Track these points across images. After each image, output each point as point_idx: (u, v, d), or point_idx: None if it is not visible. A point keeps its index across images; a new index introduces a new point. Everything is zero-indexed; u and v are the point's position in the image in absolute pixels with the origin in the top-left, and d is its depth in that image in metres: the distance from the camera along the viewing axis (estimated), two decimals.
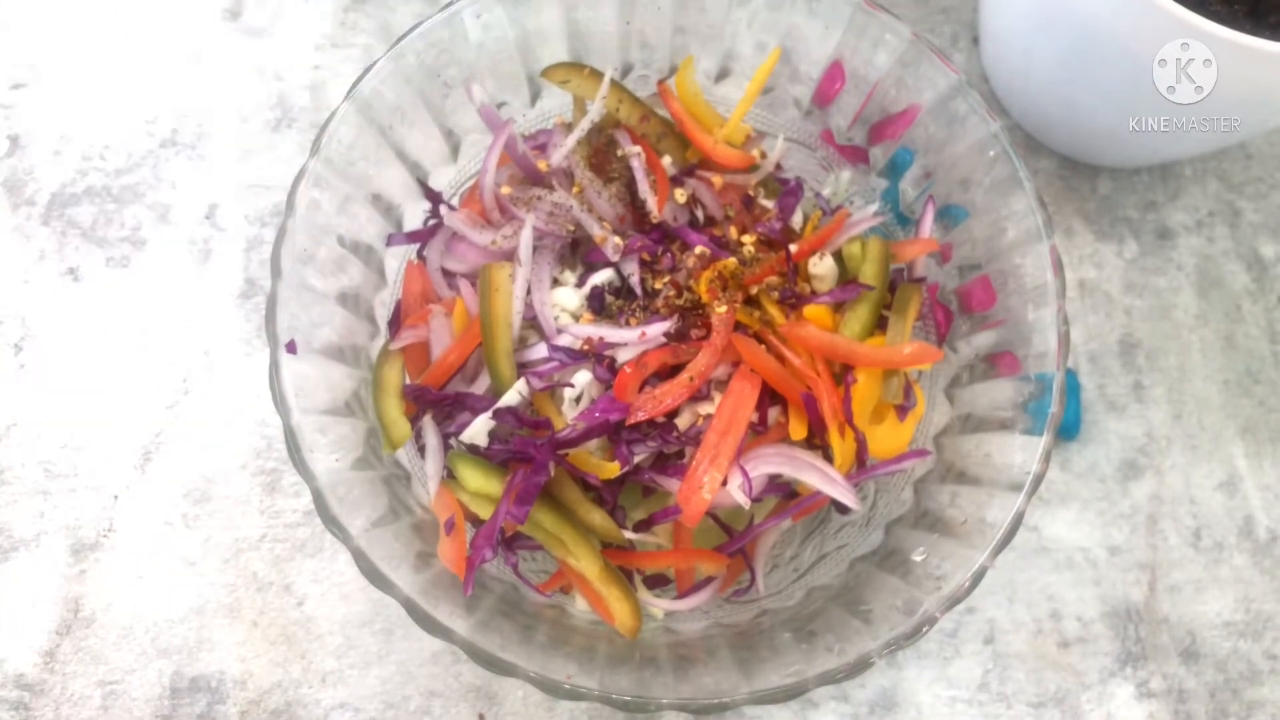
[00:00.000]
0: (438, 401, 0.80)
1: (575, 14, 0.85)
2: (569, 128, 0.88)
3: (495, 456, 0.76)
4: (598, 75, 0.86)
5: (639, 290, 0.81)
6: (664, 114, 0.89)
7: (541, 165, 0.85)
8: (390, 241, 0.85)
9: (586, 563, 0.75)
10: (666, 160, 0.87)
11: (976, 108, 0.80)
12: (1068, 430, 0.97)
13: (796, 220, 0.89)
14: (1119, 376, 1.00)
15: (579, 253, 0.85)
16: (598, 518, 0.76)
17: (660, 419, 0.76)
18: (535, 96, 0.91)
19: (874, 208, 0.89)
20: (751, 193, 0.89)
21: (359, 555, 0.68)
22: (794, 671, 0.69)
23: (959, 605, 0.70)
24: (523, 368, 0.79)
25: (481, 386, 0.80)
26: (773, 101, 0.92)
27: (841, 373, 0.79)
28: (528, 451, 0.74)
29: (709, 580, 0.82)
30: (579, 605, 0.80)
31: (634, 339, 0.77)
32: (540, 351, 0.78)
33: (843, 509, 0.78)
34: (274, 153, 1.04)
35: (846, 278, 0.85)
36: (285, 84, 1.07)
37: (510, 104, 0.90)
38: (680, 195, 0.85)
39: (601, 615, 0.77)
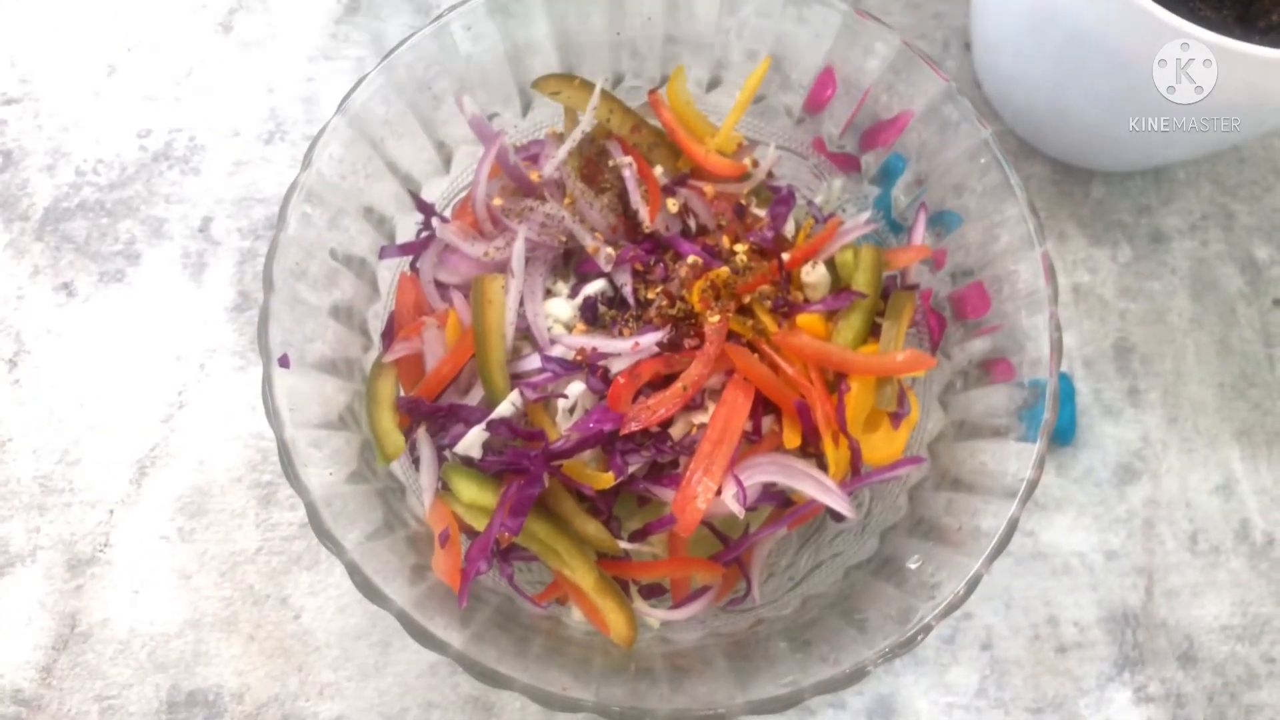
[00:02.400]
0: (431, 413, 0.80)
1: (565, 25, 0.85)
2: (560, 138, 0.88)
3: (489, 468, 0.76)
4: (589, 86, 0.86)
5: (632, 300, 0.81)
6: (655, 124, 0.89)
7: (533, 176, 0.85)
8: (383, 254, 0.85)
9: (582, 573, 0.75)
10: (658, 170, 0.87)
11: (968, 114, 0.80)
12: (1063, 435, 0.97)
13: (789, 229, 0.89)
14: (1114, 381, 1.00)
15: (571, 263, 0.85)
16: (592, 528, 0.76)
17: (654, 429, 0.76)
18: (526, 108, 0.91)
19: (866, 215, 0.89)
20: (744, 201, 0.89)
21: (353, 569, 0.68)
22: (790, 681, 0.68)
23: (955, 612, 0.69)
24: (516, 379, 0.78)
25: (475, 398, 0.80)
26: (764, 110, 0.92)
27: (835, 381, 0.79)
28: (522, 463, 0.74)
29: (704, 590, 0.82)
30: (574, 616, 0.80)
31: (627, 349, 0.77)
32: (533, 362, 0.78)
33: (838, 517, 0.78)
34: (267, 166, 1.04)
35: (839, 286, 0.85)
36: (277, 97, 1.07)
37: (502, 115, 0.90)
38: (672, 205, 0.85)
39: (597, 626, 0.77)
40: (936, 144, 0.83)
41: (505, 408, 0.76)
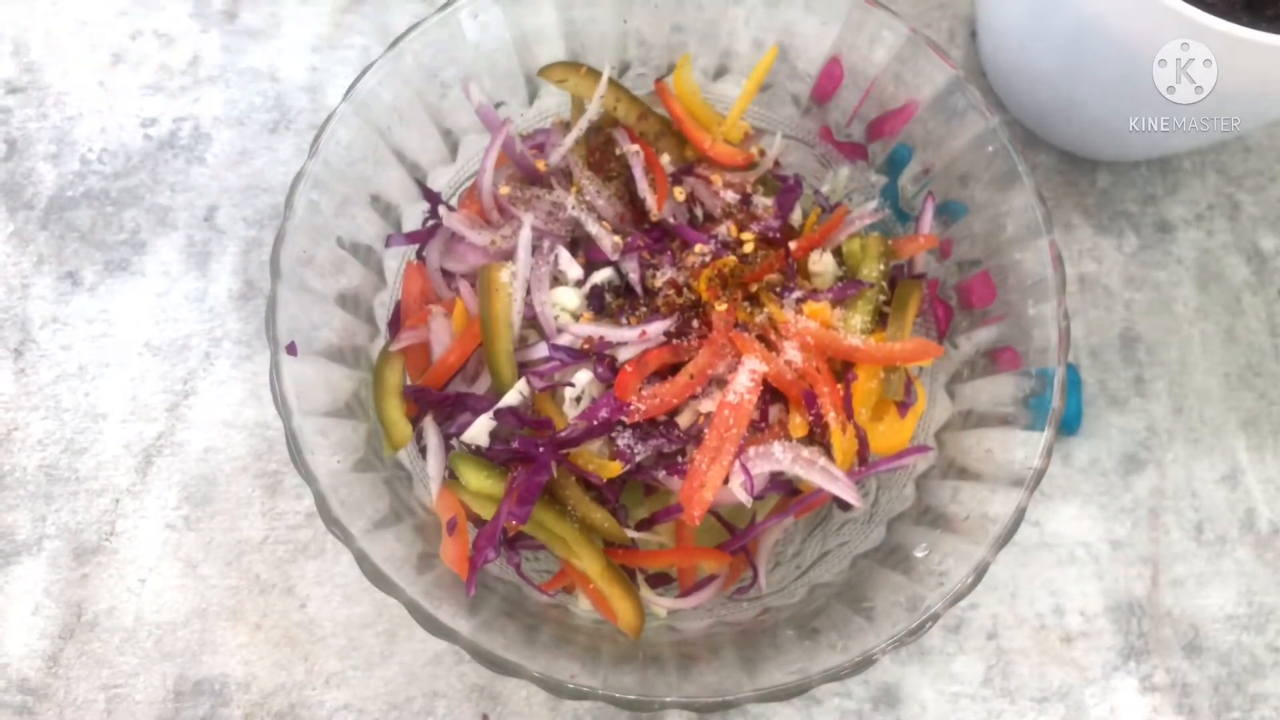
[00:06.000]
0: (439, 402, 0.80)
1: (572, 13, 0.85)
2: (567, 127, 0.88)
3: (497, 457, 0.76)
4: (595, 74, 0.86)
5: (639, 289, 0.81)
6: (662, 112, 0.89)
7: (540, 165, 0.85)
8: (389, 242, 0.85)
9: (589, 562, 0.75)
10: (665, 158, 0.87)
11: (975, 103, 0.79)
12: (1069, 425, 0.97)
13: (796, 217, 0.88)
14: (1120, 371, 1.00)
15: (578, 252, 0.85)
16: (600, 517, 0.76)
17: (661, 417, 0.76)
18: (533, 96, 0.91)
19: (873, 204, 0.89)
20: (751, 190, 0.89)
21: (361, 557, 0.68)
22: (797, 669, 0.69)
23: (961, 601, 0.69)
24: (523, 367, 0.79)
25: (482, 387, 0.80)
26: (771, 99, 0.92)
27: (842, 370, 0.79)
28: (529, 451, 0.74)
29: (711, 578, 0.82)
30: (582, 605, 0.80)
31: (634, 338, 0.77)
32: (541, 351, 0.78)
33: (844, 506, 0.78)
34: (272, 154, 1.04)
35: (846, 275, 0.85)
36: (282, 86, 1.06)
37: (508, 104, 0.89)
38: (679, 193, 0.85)
39: (604, 614, 0.77)
40: (943, 133, 0.83)
41: (512, 396, 0.77)
